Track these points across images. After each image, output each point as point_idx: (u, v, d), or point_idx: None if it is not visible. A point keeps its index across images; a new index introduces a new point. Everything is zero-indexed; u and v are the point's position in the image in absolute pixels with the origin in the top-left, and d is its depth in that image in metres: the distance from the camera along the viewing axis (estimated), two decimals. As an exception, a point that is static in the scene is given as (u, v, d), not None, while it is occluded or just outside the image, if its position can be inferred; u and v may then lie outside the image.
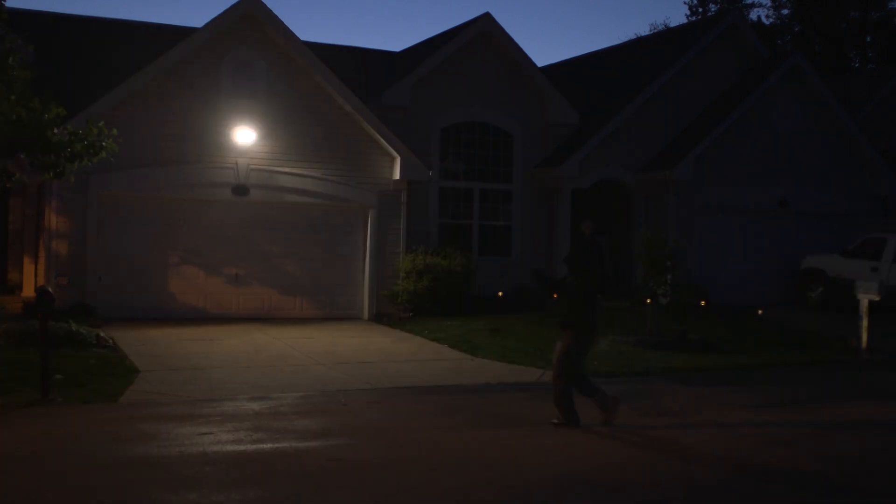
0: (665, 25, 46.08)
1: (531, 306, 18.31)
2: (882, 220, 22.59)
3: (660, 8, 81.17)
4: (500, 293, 19.09)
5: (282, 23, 17.00)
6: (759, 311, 18.12)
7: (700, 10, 44.49)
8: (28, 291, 16.57)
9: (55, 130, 10.92)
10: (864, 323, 15.05)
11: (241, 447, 7.73)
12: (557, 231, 20.57)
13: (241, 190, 16.93)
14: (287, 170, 17.25)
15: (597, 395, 8.91)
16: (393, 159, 17.98)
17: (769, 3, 49.43)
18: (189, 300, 16.75)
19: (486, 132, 20.73)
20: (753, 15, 44.87)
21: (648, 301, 15.66)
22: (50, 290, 10.21)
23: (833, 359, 14.72)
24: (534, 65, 21.08)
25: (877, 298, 15.07)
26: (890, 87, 27.86)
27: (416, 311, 17.28)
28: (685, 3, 46.53)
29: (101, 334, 13.04)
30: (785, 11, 44.48)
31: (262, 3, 16.88)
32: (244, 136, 16.85)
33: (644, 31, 52.59)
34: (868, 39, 43.92)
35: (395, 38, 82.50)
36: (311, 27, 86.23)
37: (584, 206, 21.35)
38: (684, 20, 44.13)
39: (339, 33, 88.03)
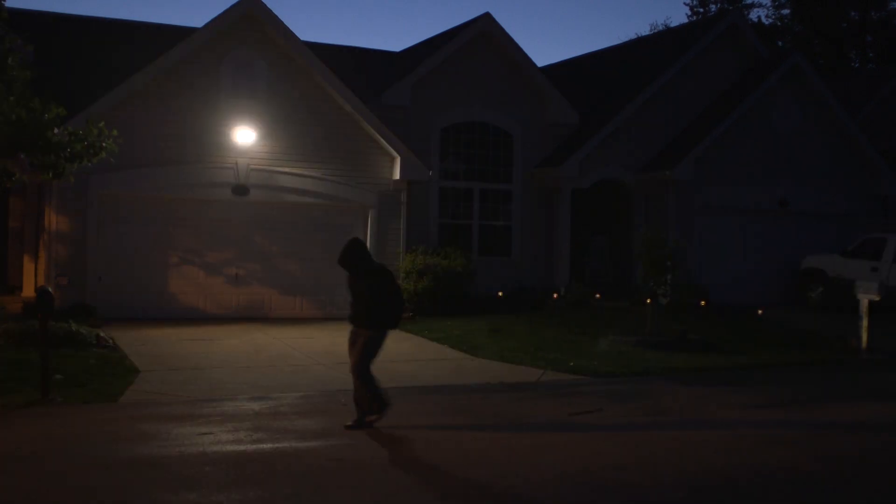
0: (665, 25, 46.07)
1: (531, 306, 18.31)
2: (882, 220, 22.59)
3: (660, 8, 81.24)
4: (500, 293, 19.10)
5: (282, 23, 17.00)
6: (759, 311, 18.13)
7: (700, 10, 44.50)
8: (28, 291, 16.55)
9: (55, 130, 10.92)
10: (864, 323, 15.05)
11: (241, 447, 7.73)
12: (557, 231, 20.56)
13: (241, 190, 16.93)
14: (287, 170, 17.25)
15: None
16: (393, 159, 17.98)
17: (769, 3, 49.51)
18: (189, 300, 16.75)
19: (486, 132, 20.73)
20: (753, 15, 44.95)
21: (648, 301, 15.66)
22: (50, 290, 10.21)
23: (833, 359, 14.72)
24: (534, 65, 21.08)
25: (877, 298, 15.06)
26: (890, 87, 27.85)
27: (416, 311, 17.26)
28: (685, 3, 46.62)
29: (101, 334, 13.04)
30: (785, 11, 44.51)
31: (262, 3, 16.89)
32: (244, 136, 16.86)
33: (644, 31, 52.65)
34: (868, 39, 43.92)
35: (395, 38, 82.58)
36: (311, 27, 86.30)
37: (584, 206, 21.38)
38: (684, 20, 44.18)
39: (339, 33, 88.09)
